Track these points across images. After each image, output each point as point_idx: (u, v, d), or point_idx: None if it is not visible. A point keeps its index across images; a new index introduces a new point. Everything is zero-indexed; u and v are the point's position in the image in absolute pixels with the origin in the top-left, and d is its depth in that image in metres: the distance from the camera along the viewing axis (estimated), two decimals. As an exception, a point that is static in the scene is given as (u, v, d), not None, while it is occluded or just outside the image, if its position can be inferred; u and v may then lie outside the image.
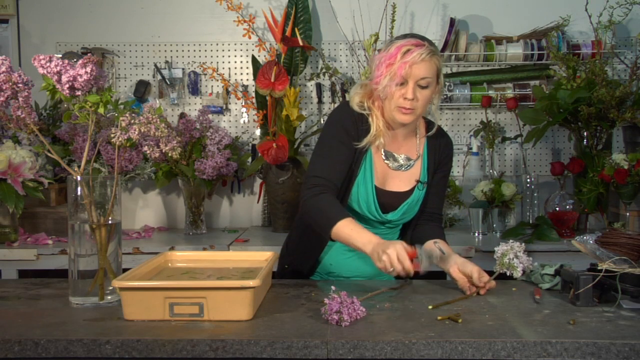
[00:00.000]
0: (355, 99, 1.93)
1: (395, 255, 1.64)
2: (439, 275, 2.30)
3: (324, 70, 3.18)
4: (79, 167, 1.66)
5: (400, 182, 1.97)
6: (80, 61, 1.61)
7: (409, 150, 2.00)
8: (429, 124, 2.04)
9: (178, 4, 3.35)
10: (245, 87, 3.35)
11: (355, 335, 1.36)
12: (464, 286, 1.77)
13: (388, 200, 1.94)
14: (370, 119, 1.91)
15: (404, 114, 1.86)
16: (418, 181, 1.98)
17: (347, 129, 1.89)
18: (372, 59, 1.94)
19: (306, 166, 3.03)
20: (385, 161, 1.95)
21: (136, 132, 1.59)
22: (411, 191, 1.97)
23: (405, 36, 1.88)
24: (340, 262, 2.01)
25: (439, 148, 2.02)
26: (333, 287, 1.51)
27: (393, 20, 3.12)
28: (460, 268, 1.79)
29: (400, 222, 2.01)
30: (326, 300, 1.46)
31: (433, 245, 1.85)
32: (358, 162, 1.90)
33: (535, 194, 3.10)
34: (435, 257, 1.78)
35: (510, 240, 1.83)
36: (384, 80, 1.82)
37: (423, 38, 1.87)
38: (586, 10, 2.99)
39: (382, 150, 1.95)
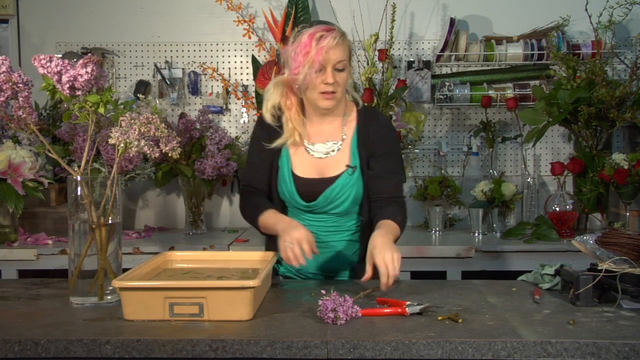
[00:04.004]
0: (267, 106, 1.99)
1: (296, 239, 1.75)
2: (438, 275, 2.31)
3: (324, 70, 3.18)
4: (79, 167, 1.66)
5: (328, 169, 1.97)
6: (80, 61, 1.61)
7: (335, 136, 2.00)
8: (359, 106, 2.05)
9: (178, 4, 3.35)
10: (245, 87, 3.35)
11: (355, 335, 1.36)
12: (367, 279, 1.71)
13: (309, 188, 1.96)
14: (283, 121, 1.98)
15: (327, 100, 1.90)
16: (348, 166, 1.96)
17: (260, 138, 2.00)
18: (283, 52, 1.97)
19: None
20: (311, 152, 1.98)
21: (136, 132, 1.59)
22: (337, 177, 1.95)
23: (312, 24, 1.91)
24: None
25: (369, 129, 1.99)
26: (323, 291, 1.51)
27: (393, 20, 3.12)
28: (371, 253, 1.71)
29: (329, 209, 1.98)
30: (320, 301, 1.47)
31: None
32: (277, 159, 2.00)
33: (535, 194, 3.10)
34: None
35: None
36: (304, 70, 1.86)
37: (330, 23, 1.92)
38: (586, 10, 2.98)
39: (306, 143, 1.99)
